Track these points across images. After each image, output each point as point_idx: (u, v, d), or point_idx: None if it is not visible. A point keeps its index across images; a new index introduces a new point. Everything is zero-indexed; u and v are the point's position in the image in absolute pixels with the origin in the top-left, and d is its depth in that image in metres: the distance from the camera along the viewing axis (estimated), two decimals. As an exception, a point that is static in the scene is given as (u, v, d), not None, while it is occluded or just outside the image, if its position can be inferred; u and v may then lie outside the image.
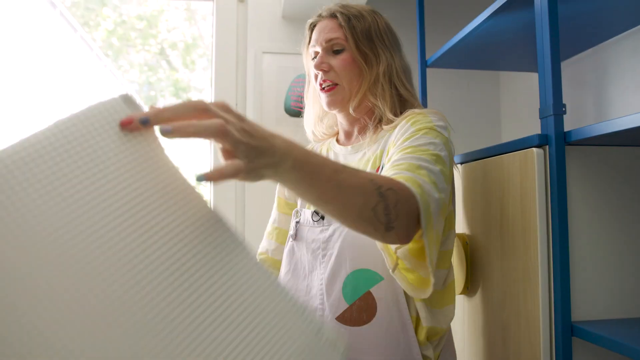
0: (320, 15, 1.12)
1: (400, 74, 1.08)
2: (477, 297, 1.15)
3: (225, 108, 0.60)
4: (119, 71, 2.08)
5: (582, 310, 0.92)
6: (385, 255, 0.89)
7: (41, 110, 1.91)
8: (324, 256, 1.02)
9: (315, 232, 1.05)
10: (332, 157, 1.14)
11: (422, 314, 0.95)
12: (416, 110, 1.00)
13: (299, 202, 1.16)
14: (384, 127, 1.04)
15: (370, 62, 1.07)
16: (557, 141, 0.92)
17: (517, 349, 0.99)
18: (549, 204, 0.92)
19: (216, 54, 1.84)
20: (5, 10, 1.87)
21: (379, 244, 0.89)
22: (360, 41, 1.06)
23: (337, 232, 1.01)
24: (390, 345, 0.95)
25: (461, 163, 1.24)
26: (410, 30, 1.94)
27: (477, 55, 1.50)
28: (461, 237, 1.19)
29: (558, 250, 0.90)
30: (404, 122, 0.98)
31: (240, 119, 0.60)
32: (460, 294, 1.20)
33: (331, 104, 1.08)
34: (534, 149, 0.93)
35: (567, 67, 1.54)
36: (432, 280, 0.81)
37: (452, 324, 1.27)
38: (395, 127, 1.00)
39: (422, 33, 1.60)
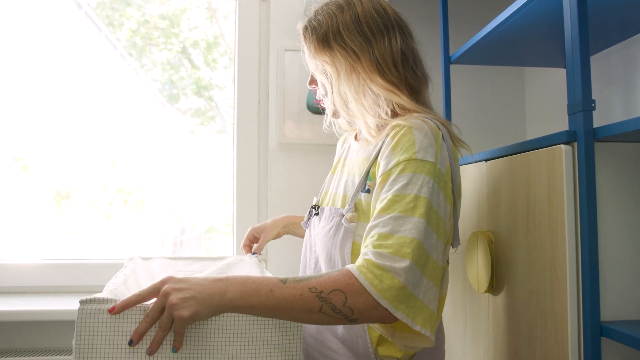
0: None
1: (368, 73, 0.97)
2: (502, 296, 1.13)
3: (164, 294, 0.78)
4: (142, 70, 2.10)
5: (612, 309, 0.90)
6: (379, 329, 0.91)
7: (67, 108, 1.94)
8: (312, 253, 1.09)
9: (313, 225, 1.11)
10: (345, 149, 1.17)
11: (396, 341, 0.92)
12: (402, 124, 0.92)
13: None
14: (370, 137, 1.00)
15: (330, 76, 1.02)
16: (586, 138, 0.90)
17: (544, 349, 0.97)
18: (577, 201, 0.90)
19: (239, 51, 1.85)
20: (32, 12, 1.91)
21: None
22: (317, 58, 1.03)
23: (321, 231, 1.05)
24: (352, 347, 0.98)
25: (486, 160, 1.22)
26: (433, 26, 1.92)
27: (502, 51, 1.48)
28: (486, 235, 1.18)
29: (587, 248, 0.88)
30: (389, 138, 0.93)
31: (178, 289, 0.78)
32: (485, 292, 1.19)
33: (329, 113, 1.10)
34: (562, 145, 0.92)
35: (595, 62, 1.51)
36: (432, 338, 0.83)
37: (476, 323, 1.26)
38: (385, 135, 0.96)
39: (445, 29, 1.59)
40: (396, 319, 0.81)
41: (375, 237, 0.83)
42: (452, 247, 1.01)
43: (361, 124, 1.01)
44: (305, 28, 1.06)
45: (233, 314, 0.85)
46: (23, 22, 1.91)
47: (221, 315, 0.84)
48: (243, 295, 0.78)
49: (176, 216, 2.04)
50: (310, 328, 1.06)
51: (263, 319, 0.86)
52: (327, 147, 1.79)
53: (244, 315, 0.85)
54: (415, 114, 0.96)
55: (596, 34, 1.31)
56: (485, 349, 1.21)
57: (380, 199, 0.88)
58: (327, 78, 1.03)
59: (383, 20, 1.02)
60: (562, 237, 0.92)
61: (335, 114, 1.09)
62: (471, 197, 1.30)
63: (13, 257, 1.76)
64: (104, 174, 1.96)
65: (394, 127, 0.94)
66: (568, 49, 0.95)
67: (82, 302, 0.82)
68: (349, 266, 0.82)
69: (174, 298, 0.77)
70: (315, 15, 1.06)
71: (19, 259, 1.75)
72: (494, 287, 1.16)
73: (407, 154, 0.88)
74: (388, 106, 0.99)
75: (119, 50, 2.06)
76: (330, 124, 1.20)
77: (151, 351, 0.79)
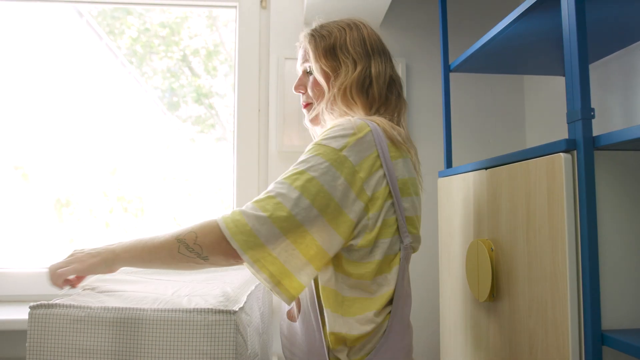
0: (299, 39, 1.20)
1: (352, 84, 1.07)
2: (503, 305, 1.13)
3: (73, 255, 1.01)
4: (143, 78, 2.11)
5: (613, 318, 0.90)
6: (261, 279, 0.95)
7: (67, 116, 1.94)
8: None
9: None
10: None
11: (327, 318, 0.97)
12: (332, 123, 1.02)
13: None
14: None
15: (331, 79, 1.10)
16: (585, 146, 0.90)
17: (545, 357, 0.97)
18: (577, 209, 0.90)
19: (239, 59, 1.86)
20: (33, 20, 1.91)
21: (252, 271, 0.97)
22: (320, 60, 1.11)
23: None
24: (310, 341, 1.00)
25: (486, 168, 1.22)
26: (433, 35, 1.93)
27: (501, 59, 1.49)
28: (486, 243, 1.18)
29: (587, 256, 0.88)
30: None
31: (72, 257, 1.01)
32: (485, 300, 1.18)
33: (308, 121, 1.18)
34: (562, 154, 0.92)
35: (594, 70, 1.52)
36: (276, 290, 0.90)
37: (477, 332, 1.26)
38: None
39: (445, 38, 1.59)
40: (240, 258, 0.90)
41: (257, 197, 0.94)
42: (402, 243, 1.00)
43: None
44: (312, 35, 1.14)
45: (158, 325, 0.87)
46: (24, 31, 1.92)
47: (148, 325, 0.87)
48: (129, 249, 0.95)
49: (176, 224, 2.04)
50: (283, 329, 1.09)
51: (191, 328, 0.87)
52: (327, 155, 1.79)
53: (175, 323, 0.86)
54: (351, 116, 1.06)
55: (595, 42, 1.32)
56: (486, 358, 1.21)
57: None
58: (326, 81, 1.11)
59: (382, 47, 1.15)
60: (562, 246, 0.92)
61: (315, 119, 1.16)
62: (471, 205, 1.30)
63: (13, 266, 1.76)
64: (104, 181, 1.96)
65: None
66: (567, 57, 0.96)
67: (31, 308, 0.87)
68: (218, 214, 0.93)
69: (78, 255, 0.98)
70: (321, 27, 1.15)
71: (19, 267, 1.74)
72: (494, 295, 1.16)
73: (317, 140, 0.97)
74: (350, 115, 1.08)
75: (120, 58, 2.07)
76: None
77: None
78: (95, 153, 1.95)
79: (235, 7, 1.89)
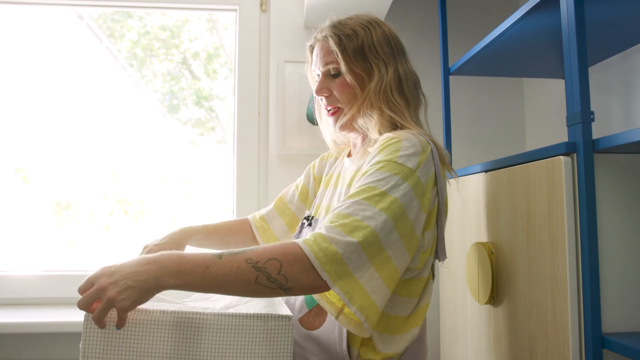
0: (316, 38, 1.13)
1: (391, 87, 1.04)
2: (503, 308, 1.13)
3: (101, 288, 0.78)
4: (143, 81, 2.11)
5: (613, 321, 0.90)
6: (325, 305, 0.93)
7: (68, 119, 1.94)
8: None
9: (305, 236, 1.11)
10: (339, 168, 1.19)
11: (374, 340, 0.95)
12: (393, 136, 0.97)
13: (312, 204, 1.22)
14: (368, 148, 1.04)
15: (364, 81, 1.06)
16: (585, 149, 0.90)
17: (545, 360, 0.97)
18: (577, 212, 0.90)
19: (239, 63, 1.86)
20: (34, 23, 1.92)
21: (315, 296, 0.95)
22: (352, 62, 1.05)
23: None
24: (330, 353, 0.99)
25: (486, 171, 1.22)
26: (433, 37, 1.94)
27: (501, 62, 1.49)
28: (486, 246, 1.18)
29: (587, 259, 0.88)
30: (375, 147, 0.97)
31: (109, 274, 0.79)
32: (486, 303, 1.18)
33: (339, 127, 1.11)
34: (562, 157, 0.92)
35: (594, 73, 1.52)
36: (365, 325, 0.84)
37: (477, 335, 1.25)
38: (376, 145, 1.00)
39: (445, 41, 1.60)
40: (328, 289, 0.82)
41: (334, 216, 0.86)
42: (439, 261, 1.04)
43: (375, 134, 1.03)
44: (337, 36, 1.07)
45: (219, 329, 0.85)
46: (25, 34, 1.92)
47: (209, 330, 0.85)
48: (179, 275, 0.79)
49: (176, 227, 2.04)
50: (294, 334, 1.06)
51: (251, 333, 0.86)
52: (327, 158, 1.79)
53: (236, 329, 0.85)
54: (407, 129, 1.01)
55: (594, 45, 1.32)
56: (487, 361, 1.21)
57: (352, 187, 0.92)
58: (359, 84, 1.06)
59: (401, 44, 1.11)
60: (562, 249, 0.91)
61: (347, 124, 1.10)
62: (471, 209, 1.30)
63: (13, 269, 1.76)
64: (104, 184, 1.96)
65: (385, 138, 0.98)
66: (567, 60, 0.96)
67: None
68: (297, 240, 0.84)
69: (111, 292, 0.77)
70: (342, 25, 1.08)
71: (18, 270, 1.74)
72: (494, 298, 1.16)
73: (389, 157, 0.92)
74: (392, 123, 1.04)
75: (120, 61, 2.07)
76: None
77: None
78: (95, 156, 1.95)
79: (236, 10, 1.90)
